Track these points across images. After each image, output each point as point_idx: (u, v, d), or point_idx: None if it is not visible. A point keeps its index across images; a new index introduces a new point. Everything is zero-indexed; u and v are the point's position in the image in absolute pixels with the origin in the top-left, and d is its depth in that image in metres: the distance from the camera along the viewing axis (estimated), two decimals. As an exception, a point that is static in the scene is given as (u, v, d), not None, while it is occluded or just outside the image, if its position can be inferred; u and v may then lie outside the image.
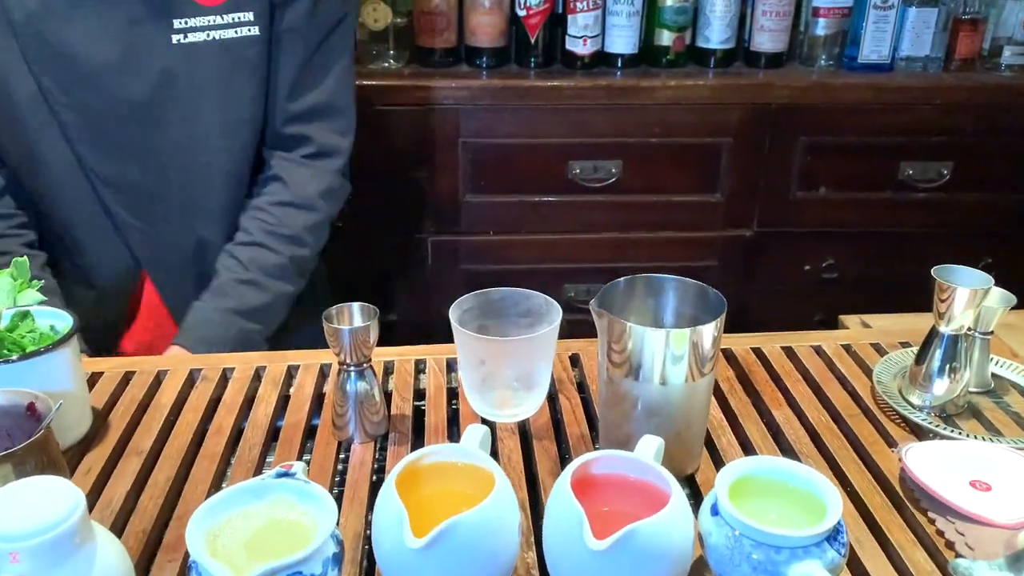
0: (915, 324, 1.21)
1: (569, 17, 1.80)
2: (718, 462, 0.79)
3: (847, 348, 0.97)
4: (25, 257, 0.85)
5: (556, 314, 0.82)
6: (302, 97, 1.11)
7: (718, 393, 0.88)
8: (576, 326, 1.00)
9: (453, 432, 0.85)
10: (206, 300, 1.09)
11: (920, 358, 0.86)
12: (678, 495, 0.59)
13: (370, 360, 0.80)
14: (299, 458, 0.80)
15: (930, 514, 0.71)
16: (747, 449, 0.80)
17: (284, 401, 0.89)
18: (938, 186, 1.99)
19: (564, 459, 0.80)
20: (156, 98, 1.02)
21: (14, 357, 0.75)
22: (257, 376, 0.92)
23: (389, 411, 0.85)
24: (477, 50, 1.82)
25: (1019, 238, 2.05)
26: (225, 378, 0.92)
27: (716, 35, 1.96)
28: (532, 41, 1.83)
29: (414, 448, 0.81)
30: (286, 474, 0.62)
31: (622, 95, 1.82)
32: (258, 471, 0.78)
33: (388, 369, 0.93)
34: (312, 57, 1.09)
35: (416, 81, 1.74)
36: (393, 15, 1.78)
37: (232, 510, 0.61)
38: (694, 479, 0.77)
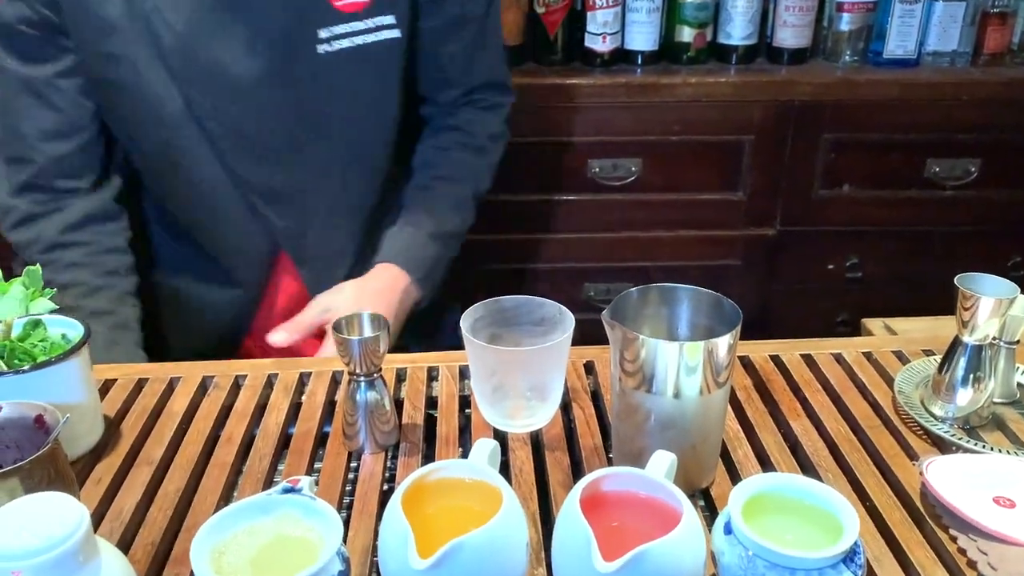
0: (941, 330, 1.19)
1: (588, 14, 1.79)
2: (734, 475, 0.77)
3: (868, 356, 0.95)
4: (37, 266, 0.85)
5: (569, 323, 0.81)
6: (472, 75, 1.16)
7: (735, 402, 0.86)
8: (597, 327, 0.99)
9: (465, 441, 0.84)
10: (401, 227, 1.13)
11: (943, 368, 0.84)
12: (690, 514, 0.58)
13: (380, 370, 0.79)
14: (310, 468, 0.79)
15: (952, 531, 0.69)
16: (764, 462, 0.79)
17: (296, 408, 0.88)
18: (965, 184, 1.95)
19: (577, 471, 0.78)
20: (304, 107, 1.04)
21: (25, 367, 0.75)
22: (269, 383, 0.92)
23: (400, 420, 0.84)
24: (495, 48, 1.80)
25: (1049, 237, 2.01)
26: (237, 385, 0.91)
27: (738, 31, 1.93)
28: (551, 39, 1.82)
29: (425, 459, 0.81)
30: (292, 489, 0.61)
31: (642, 93, 1.80)
32: (268, 482, 0.78)
33: (400, 377, 0.93)
34: (478, 36, 1.13)
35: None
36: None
37: (238, 526, 0.60)
38: (709, 493, 0.75)
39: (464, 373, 0.93)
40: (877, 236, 2.01)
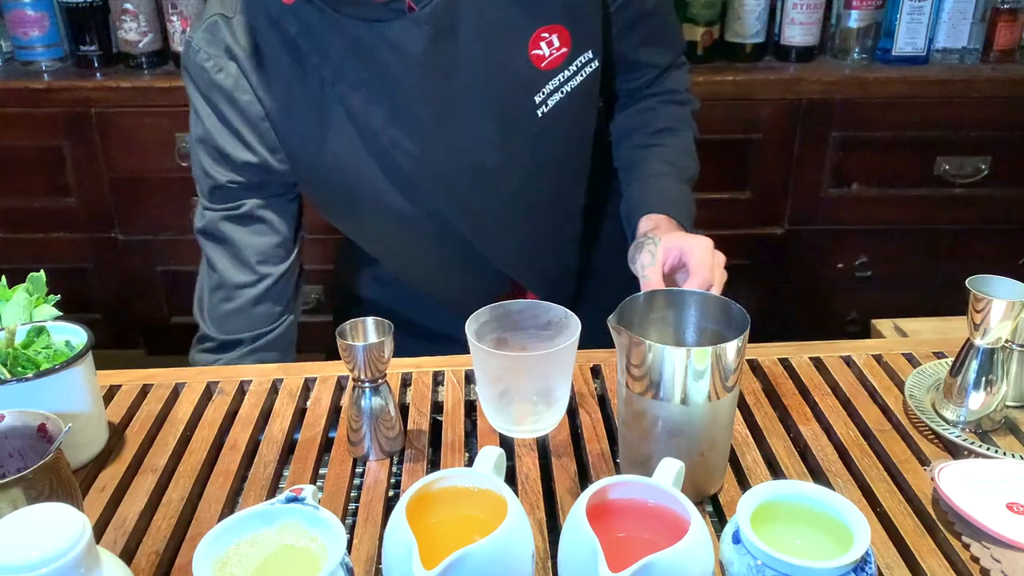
0: (952, 331, 1.17)
1: (594, 13, 1.77)
2: (743, 481, 0.76)
3: (878, 359, 0.94)
4: (41, 272, 0.85)
5: (575, 327, 0.80)
6: (664, 54, 1.14)
7: (743, 407, 0.85)
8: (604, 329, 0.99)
9: (471, 446, 0.83)
10: (648, 179, 1.10)
11: (954, 371, 0.82)
12: (697, 523, 0.57)
13: (385, 376, 0.79)
14: (314, 476, 0.79)
15: (964, 538, 0.68)
16: (773, 467, 0.78)
17: (301, 414, 0.88)
18: (976, 181, 1.94)
19: (584, 477, 0.78)
20: (527, 168, 1.04)
21: (29, 375, 0.74)
22: (274, 388, 0.91)
23: (406, 426, 0.84)
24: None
25: (1061, 235, 2.00)
26: (242, 391, 0.91)
27: (746, 29, 1.92)
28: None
29: (431, 465, 0.80)
30: (296, 499, 0.61)
31: (649, 92, 1.79)
32: (272, 489, 0.77)
33: (406, 381, 0.92)
34: (662, 18, 1.12)
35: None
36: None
37: (241, 536, 0.60)
38: (717, 499, 0.74)
39: (470, 377, 0.92)
40: (886, 235, 2.00)
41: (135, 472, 0.79)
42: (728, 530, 0.61)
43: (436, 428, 0.85)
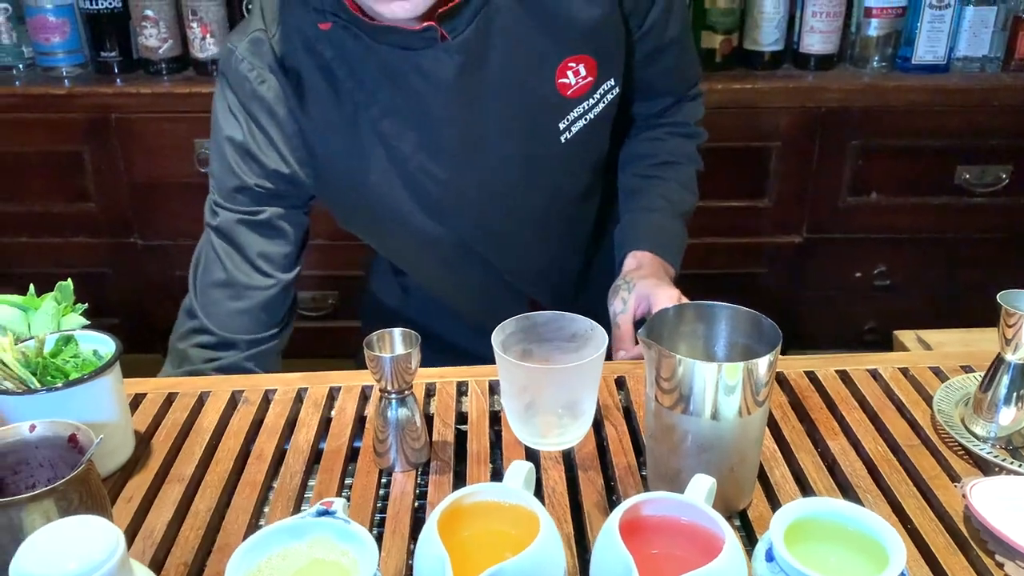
0: (976, 343, 1.17)
1: (613, 21, 1.77)
2: (771, 497, 0.76)
3: (904, 372, 0.93)
4: (69, 280, 0.85)
5: (602, 339, 0.80)
6: (681, 82, 1.17)
7: (771, 421, 0.85)
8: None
9: (495, 458, 0.83)
10: (642, 213, 1.12)
11: (984, 385, 0.82)
12: (732, 541, 0.57)
13: (411, 387, 0.79)
14: (340, 487, 0.79)
15: (998, 557, 0.67)
16: (801, 483, 0.77)
17: (326, 424, 0.88)
18: (996, 190, 1.93)
19: (610, 490, 0.77)
20: (547, 192, 1.07)
21: (58, 384, 0.75)
22: (299, 398, 0.91)
23: (431, 437, 0.83)
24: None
25: (1083, 245, 1.98)
26: (267, 400, 0.91)
27: (764, 37, 1.92)
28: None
29: (456, 476, 0.80)
30: (326, 512, 0.61)
31: (668, 100, 1.78)
32: (299, 500, 0.77)
33: (430, 391, 0.92)
34: (682, 49, 1.13)
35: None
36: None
37: (272, 550, 0.60)
38: (746, 515, 0.74)
39: (494, 388, 0.92)
40: (905, 244, 1.99)
41: (162, 482, 0.79)
42: (761, 547, 0.61)
43: (460, 439, 0.85)
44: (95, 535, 0.55)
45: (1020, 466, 0.77)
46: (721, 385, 0.67)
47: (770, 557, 0.59)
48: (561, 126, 1.01)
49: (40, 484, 0.68)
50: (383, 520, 0.74)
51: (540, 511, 0.60)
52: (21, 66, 2.01)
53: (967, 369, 0.93)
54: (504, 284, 1.15)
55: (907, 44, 1.91)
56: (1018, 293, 0.79)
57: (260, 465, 0.81)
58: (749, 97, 1.86)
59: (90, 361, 0.79)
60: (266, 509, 0.77)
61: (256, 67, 0.97)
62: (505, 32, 0.94)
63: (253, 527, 0.74)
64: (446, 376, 0.94)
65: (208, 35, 1.93)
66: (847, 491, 0.76)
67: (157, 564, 0.69)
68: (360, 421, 0.88)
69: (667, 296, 0.96)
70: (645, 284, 1.00)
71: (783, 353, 0.93)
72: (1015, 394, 0.79)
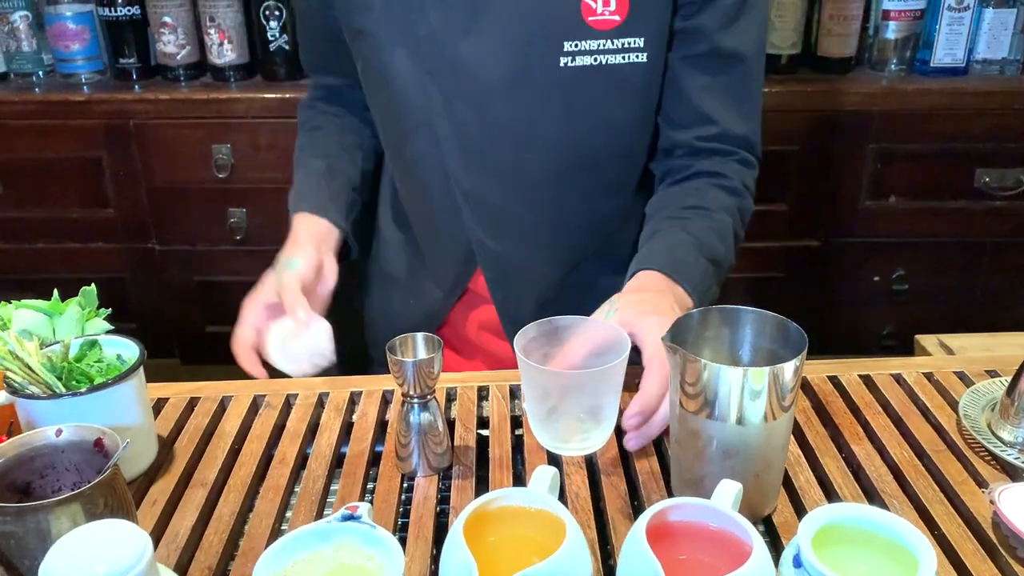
0: (999, 348, 1.16)
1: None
2: (796, 502, 0.75)
3: (929, 376, 0.92)
4: (93, 286, 0.85)
5: (625, 344, 0.79)
6: (728, 119, 1.03)
7: (795, 426, 0.84)
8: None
9: (517, 462, 0.83)
10: (660, 238, 0.99)
11: (1011, 391, 0.81)
12: (760, 547, 0.57)
13: (434, 391, 0.79)
14: (363, 491, 0.79)
15: (1027, 564, 0.67)
16: (826, 488, 0.77)
17: (348, 428, 0.88)
18: (1017, 194, 1.91)
19: (634, 496, 0.77)
20: (532, 119, 1.00)
21: (83, 389, 0.75)
22: (320, 402, 0.91)
23: (452, 441, 0.83)
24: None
25: (1105, 248, 1.96)
26: (289, 404, 0.91)
27: (781, 40, 1.91)
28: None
29: (478, 481, 0.80)
30: (352, 517, 0.61)
31: (685, 104, 1.78)
32: (322, 504, 0.77)
33: (451, 396, 0.92)
34: (739, 80, 1.03)
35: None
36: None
37: (297, 554, 0.60)
38: (771, 520, 0.74)
39: (515, 392, 0.92)
40: (925, 248, 1.98)
41: (185, 486, 0.79)
42: (788, 553, 0.60)
43: (482, 444, 0.85)
44: (123, 539, 0.55)
45: (1049, 472, 0.76)
46: (747, 390, 0.67)
47: (798, 563, 0.59)
48: (565, 47, 0.96)
49: (66, 488, 0.68)
50: (406, 525, 0.74)
51: (566, 516, 0.60)
52: (41, 73, 2.02)
53: (992, 374, 0.92)
54: (460, 224, 1.07)
55: (925, 47, 1.90)
56: (1045, 297, 0.78)
57: (283, 469, 0.81)
58: (767, 101, 1.84)
59: (114, 366, 0.80)
60: (289, 513, 0.77)
61: None
62: None
63: (276, 531, 0.74)
64: (467, 381, 0.94)
65: (226, 41, 1.94)
66: (872, 497, 0.76)
67: (182, 568, 0.69)
68: (382, 426, 0.88)
69: (649, 325, 0.82)
70: (628, 312, 0.85)
71: (807, 358, 0.92)
72: (1043, 399, 0.79)
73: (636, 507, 0.76)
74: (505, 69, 0.97)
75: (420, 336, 0.79)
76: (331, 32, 1.07)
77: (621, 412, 0.86)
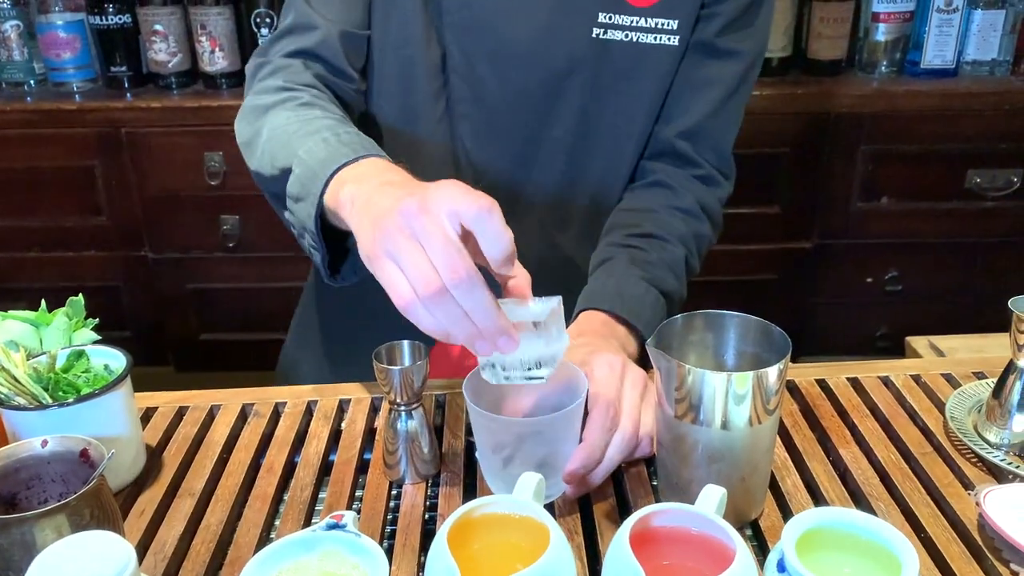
0: (989, 349, 1.16)
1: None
2: (783, 506, 0.75)
3: (916, 379, 0.93)
4: (80, 296, 0.85)
5: (583, 385, 0.74)
6: (695, 121, 1.01)
7: (782, 429, 0.84)
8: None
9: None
10: (611, 270, 0.94)
11: (997, 392, 0.81)
12: (743, 552, 0.57)
13: (420, 399, 0.79)
14: (351, 499, 0.79)
15: (1013, 566, 0.67)
16: (813, 492, 0.77)
17: (336, 436, 0.88)
18: (1008, 194, 1.92)
19: (622, 502, 0.77)
20: (553, 89, 0.97)
21: (70, 400, 0.75)
22: (309, 411, 0.91)
23: (440, 448, 0.83)
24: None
25: (1096, 248, 1.97)
26: (277, 413, 0.91)
27: (772, 43, 1.91)
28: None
29: (466, 488, 0.80)
30: (337, 525, 0.61)
31: (676, 108, 1.78)
32: (309, 513, 0.77)
33: (439, 403, 0.92)
34: (735, 92, 1.02)
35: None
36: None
37: (282, 563, 0.60)
38: (758, 524, 0.74)
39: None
40: (917, 249, 1.98)
41: (173, 495, 0.79)
42: (772, 558, 0.61)
43: (470, 451, 0.85)
44: (107, 550, 0.55)
45: (1034, 473, 0.76)
46: (731, 394, 0.67)
47: (782, 567, 0.59)
48: (600, 18, 0.94)
49: (52, 499, 0.68)
50: (394, 532, 0.74)
51: (550, 523, 0.60)
52: (32, 82, 2.03)
53: (980, 376, 0.92)
54: None
55: (915, 48, 1.91)
56: (1030, 299, 0.78)
57: (270, 478, 0.81)
58: (758, 103, 1.86)
59: (101, 376, 0.80)
60: (277, 522, 0.77)
61: None
62: None
63: (264, 541, 0.74)
64: (455, 388, 0.94)
65: (217, 49, 1.94)
66: (859, 500, 0.76)
67: (168, 578, 0.69)
68: (370, 433, 0.88)
69: (603, 362, 0.78)
70: (576, 354, 0.80)
71: (794, 360, 0.93)
72: (1028, 400, 0.79)
73: (624, 512, 0.76)
74: (533, 31, 0.95)
75: (406, 344, 0.79)
76: None
77: None
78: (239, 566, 0.66)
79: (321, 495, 0.80)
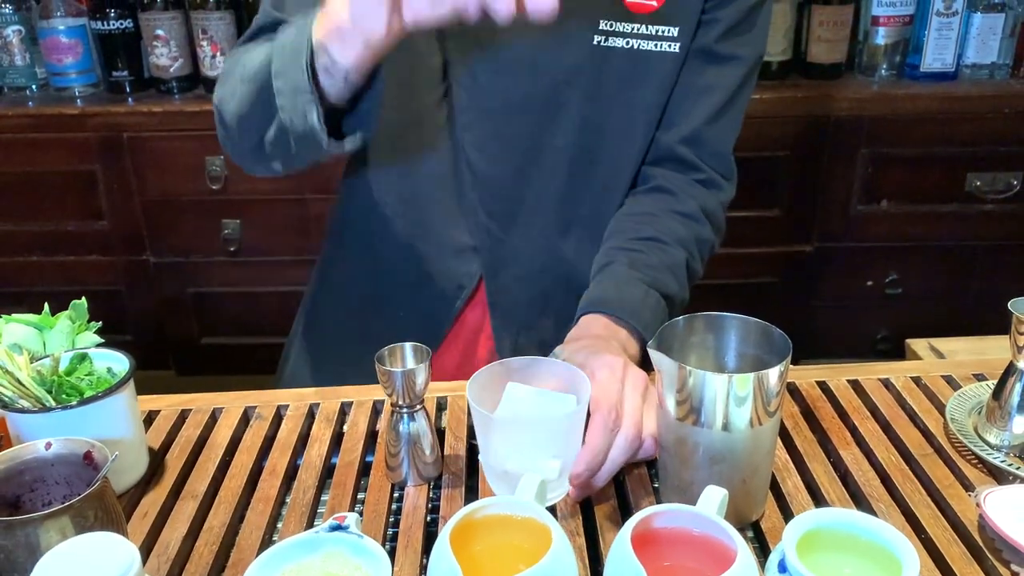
0: (989, 351, 1.16)
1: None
2: (784, 507, 0.76)
3: (917, 381, 0.93)
4: (83, 299, 0.86)
5: (585, 389, 0.75)
6: (699, 124, 1.01)
7: (782, 431, 0.85)
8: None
9: (508, 471, 0.83)
10: (612, 273, 0.95)
11: (997, 394, 0.82)
12: (744, 552, 0.57)
13: (423, 401, 0.79)
14: (353, 501, 0.79)
15: (1013, 567, 0.67)
16: (814, 493, 0.77)
17: (338, 439, 0.88)
18: (1008, 197, 1.92)
19: (623, 503, 0.77)
20: (555, 97, 0.98)
21: (73, 402, 0.75)
22: (311, 413, 0.92)
23: (442, 450, 0.84)
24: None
25: (1096, 250, 1.97)
26: (279, 416, 0.91)
27: (772, 47, 1.92)
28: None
29: (468, 490, 0.80)
30: (339, 527, 0.61)
31: (676, 111, 1.79)
32: (312, 515, 0.77)
33: (441, 405, 0.92)
34: (727, 97, 1.02)
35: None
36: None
37: (285, 564, 0.60)
38: (759, 525, 0.74)
39: (505, 401, 0.92)
40: (917, 251, 1.99)
41: (176, 498, 0.79)
42: (773, 558, 0.61)
43: (472, 453, 0.85)
44: (111, 552, 0.55)
45: (1034, 474, 0.76)
46: (732, 396, 0.67)
47: (783, 568, 0.59)
48: (601, 25, 0.94)
49: (56, 501, 0.68)
50: (396, 535, 0.74)
51: (552, 523, 0.60)
52: (34, 87, 2.03)
53: (980, 377, 0.92)
54: (465, 204, 1.02)
55: (915, 52, 1.92)
56: (1029, 300, 0.79)
57: (273, 481, 0.81)
58: (758, 107, 1.86)
59: (104, 379, 0.80)
60: (279, 525, 0.77)
61: None
62: None
63: (267, 543, 0.74)
64: (457, 391, 0.94)
65: (218, 53, 1.95)
66: (860, 501, 0.76)
67: (172, 580, 0.69)
68: (372, 436, 0.88)
69: (604, 365, 0.79)
70: (577, 357, 0.82)
71: (796, 363, 0.93)
72: (1028, 402, 0.79)
73: (626, 514, 0.76)
74: (535, 39, 0.95)
75: (408, 345, 0.80)
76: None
77: None
78: (242, 568, 0.66)
79: (323, 497, 0.80)
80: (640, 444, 0.77)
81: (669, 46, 0.97)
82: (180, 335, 2.11)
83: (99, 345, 0.84)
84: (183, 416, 0.91)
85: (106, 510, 0.65)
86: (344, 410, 0.92)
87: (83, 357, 0.81)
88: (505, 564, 0.60)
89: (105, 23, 1.95)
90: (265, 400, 0.93)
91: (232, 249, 1.99)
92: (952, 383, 0.92)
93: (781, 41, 1.92)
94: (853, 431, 0.85)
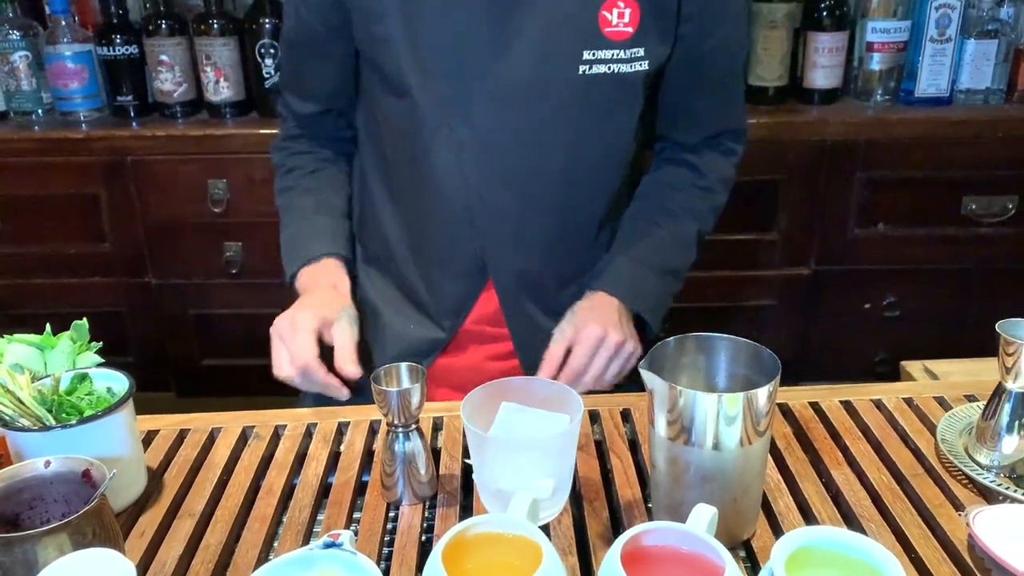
0: (983, 373, 1.17)
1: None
2: (775, 527, 0.76)
3: (909, 402, 0.94)
4: (84, 320, 0.87)
5: (577, 407, 0.77)
6: (718, 122, 1.16)
7: (775, 451, 0.86)
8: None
9: (503, 491, 0.84)
10: (622, 258, 1.11)
11: (987, 415, 0.82)
12: (732, 570, 0.58)
13: (418, 421, 0.80)
14: (349, 520, 0.80)
15: (1001, 586, 0.68)
16: (805, 513, 0.78)
17: (335, 458, 0.89)
18: (1003, 220, 1.93)
19: (616, 522, 0.78)
20: (548, 125, 1.05)
21: (73, 421, 0.76)
22: (308, 433, 0.93)
23: (438, 470, 0.84)
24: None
25: (1092, 273, 1.98)
26: (277, 435, 0.92)
27: (768, 72, 1.94)
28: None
29: (463, 510, 0.81)
30: (333, 544, 0.62)
31: (673, 136, 1.80)
32: (308, 534, 0.78)
33: (437, 425, 0.93)
34: (728, 85, 1.15)
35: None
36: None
37: (280, 582, 0.61)
38: (750, 544, 0.74)
39: (501, 422, 0.93)
40: (914, 275, 1.99)
41: (173, 516, 0.80)
42: (762, 576, 0.61)
43: (467, 472, 0.86)
44: (109, 568, 0.56)
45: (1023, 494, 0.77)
46: (722, 416, 0.68)
47: (772, 586, 0.60)
48: (584, 56, 1.00)
49: (55, 519, 0.69)
50: (391, 554, 0.75)
51: (543, 541, 0.61)
52: (40, 111, 2.05)
53: (971, 398, 0.93)
54: (473, 252, 1.10)
55: (910, 77, 1.93)
56: (1018, 322, 0.80)
57: (270, 500, 0.82)
58: (755, 132, 1.87)
59: (104, 398, 0.81)
60: (276, 544, 0.78)
61: None
62: None
63: (263, 561, 0.75)
64: (453, 411, 0.95)
65: (221, 78, 1.97)
66: (851, 521, 0.77)
67: (168, 598, 0.70)
68: (369, 455, 0.89)
69: (592, 335, 1.01)
70: (580, 319, 1.03)
71: (794, 385, 0.94)
72: (1017, 422, 0.80)
73: (618, 532, 0.77)
74: (527, 74, 1.01)
75: (404, 366, 0.81)
76: (321, 51, 1.10)
77: (603, 438, 0.87)
78: (238, 587, 0.67)
79: (320, 516, 0.81)
80: (622, 346, 1.02)
81: (641, 64, 1.03)
82: (181, 356, 2.11)
83: (99, 365, 0.85)
84: (182, 436, 0.92)
85: (104, 527, 0.66)
86: (341, 430, 0.93)
87: (83, 377, 0.82)
88: (497, 581, 0.61)
89: (111, 49, 1.97)
90: (263, 420, 0.94)
91: (234, 271, 2.00)
92: (944, 404, 0.93)
93: (778, 67, 1.94)
94: (845, 451, 0.86)
